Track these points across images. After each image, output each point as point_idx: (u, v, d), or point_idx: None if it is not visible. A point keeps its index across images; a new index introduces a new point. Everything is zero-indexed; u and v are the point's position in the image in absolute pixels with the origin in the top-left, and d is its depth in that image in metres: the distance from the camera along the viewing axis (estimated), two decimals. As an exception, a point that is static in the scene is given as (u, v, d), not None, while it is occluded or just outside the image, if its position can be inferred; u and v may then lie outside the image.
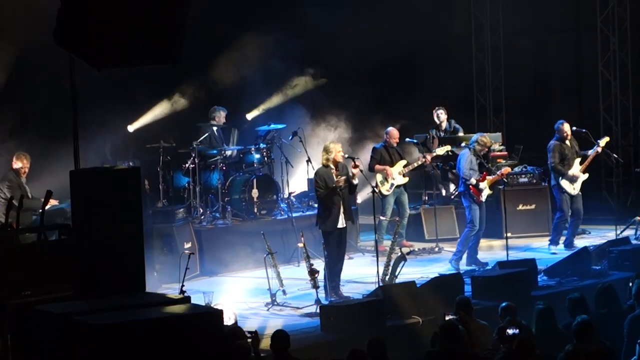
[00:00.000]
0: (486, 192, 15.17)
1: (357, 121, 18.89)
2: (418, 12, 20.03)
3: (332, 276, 13.37)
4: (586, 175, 16.26)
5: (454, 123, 18.48)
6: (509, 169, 15.53)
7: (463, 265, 15.05)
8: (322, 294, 13.18)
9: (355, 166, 13.40)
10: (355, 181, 13.49)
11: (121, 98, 16.43)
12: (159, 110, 17.42)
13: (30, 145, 14.74)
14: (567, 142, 16.20)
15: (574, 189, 16.13)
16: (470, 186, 15.00)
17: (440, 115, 18.39)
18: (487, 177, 15.20)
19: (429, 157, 16.62)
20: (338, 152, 13.44)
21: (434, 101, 19.07)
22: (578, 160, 16.20)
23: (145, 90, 16.83)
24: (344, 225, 13.51)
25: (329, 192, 13.30)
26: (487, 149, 15.41)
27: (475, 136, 15.52)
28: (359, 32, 19.38)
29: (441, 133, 18.30)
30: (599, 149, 16.28)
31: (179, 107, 17.56)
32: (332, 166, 13.39)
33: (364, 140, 18.74)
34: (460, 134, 18.24)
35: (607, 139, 16.48)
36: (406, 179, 16.64)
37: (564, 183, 16.10)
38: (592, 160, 16.30)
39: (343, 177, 13.35)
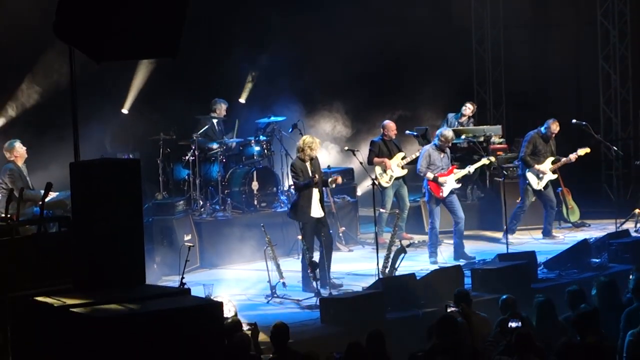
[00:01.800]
0: (450, 186, 15.09)
1: (355, 114, 18.89)
2: (419, 4, 20.01)
3: (321, 267, 13.43)
4: (555, 176, 16.39)
5: (471, 122, 18.56)
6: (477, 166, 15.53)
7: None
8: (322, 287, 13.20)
9: (333, 181, 13.92)
10: (332, 186, 14.13)
11: (104, 86, 16.36)
12: (140, 78, 17.38)
13: (28, 138, 14.70)
14: (547, 140, 16.34)
15: (538, 183, 16.26)
16: (429, 181, 15.00)
17: (466, 110, 18.49)
18: (455, 171, 15.21)
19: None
20: (315, 147, 13.61)
21: (434, 94, 19.06)
22: (551, 159, 16.29)
23: (120, 70, 16.73)
24: (322, 215, 13.60)
25: (308, 184, 13.48)
26: (448, 144, 15.33)
27: (438, 131, 15.51)
28: (358, 26, 19.37)
29: (457, 123, 18.38)
30: (574, 157, 16.37)
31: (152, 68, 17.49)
32: (307, 160, 13.58)
33: (362, 133, 18.74)
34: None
35: (587, 149, 16.53)
36: (405, 171, 16.62)
37: (530, 175, 16.26)
38: (564, 164, 16.39)
39: (320, 173, 13.69)
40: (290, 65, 18.82)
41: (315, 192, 13.61)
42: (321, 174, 13.84)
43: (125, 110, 17.21)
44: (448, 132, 15.29)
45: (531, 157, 16.25)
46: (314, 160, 13.68)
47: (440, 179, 14.98)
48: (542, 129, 16.38)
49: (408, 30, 19.47)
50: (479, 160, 15.80)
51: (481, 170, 16.57)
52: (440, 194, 15.00)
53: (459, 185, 15.35)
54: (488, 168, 16.21)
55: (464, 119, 18.61)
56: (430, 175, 14.97)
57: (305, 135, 14.24)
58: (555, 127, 16.30)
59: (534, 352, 8.90)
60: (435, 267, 14.26)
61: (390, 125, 16.71)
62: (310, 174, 13.57)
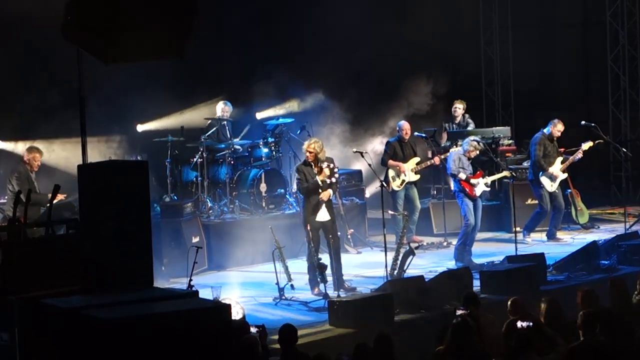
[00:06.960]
0: (481, 188, 15.13)
1: (362, 116, 18.87)
2: (427, 6, 19.98)
3: (314, 270, 13.39)
4: (565, 175, 16.44)
5: (467, 118, 18.48)
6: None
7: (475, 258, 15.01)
8: (330, 289, 13.17)
9: (320, 170, 13.47)
10: (332, 180, 13.58)
11: (128, 93, 16.40)
12: (171, 121, 17.42)
13: (37, 139, 14.75)
14: (552, 139, 16.42)
15: (552, 185, 16.30)
16: (461, 182, 15.01)
17: (457, 109, 18.41)
18: (483, 176, 15.26)
19: (437, 159, 16.56)
20: (316, 150, 13.47)
21: (442, 95, 19.05)
22: (560, 159, 16.33)
23: (156, 91, 16.76)
24: (328, 219, 13.54)
25: (311, 187, 13.40)
26: (477, 152, 15.39)
27: (467, 139, 15.50)
28: (365, 25, 19.35)
29: (454, 126, 18.29)
30: (581, 154, 16.38)
31: (187, 119, 17.54)
32: (311, 163, 13.49)
33: (368, 134, 18.72)
34: (471, 127, 18.24)
35: (590, 143, 16.55)
36: (417, 176, 16.59)
37: (544, 179, 16.28)
38: (572, 162, 16.41)
39: (324, 170, 13.44)
40: (296, 64, 18.80)
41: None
42: (331, 177, 13.60)
43: (140, 128, 17.26)
44: (474, 143, 15.37)
45: (543, 159, 16.24)
46: (319, 161, 13.57)
47: (473, 181, 15.03)
48: (546, 129, 16.41)
49: (416, 31, 19.43)
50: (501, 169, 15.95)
51: (489, 173, 16.52)
52: (474, 192, 15.03)
53: (488, 189, 15.53)
54: (497, 170, 16.20)
55: (459, 118, 18.39)
56: (463, 175, 14.99)
57: (310, 140, 14.04)
58: (561, 126, 16.39)
59: (536, 351, 8.91)
60: (444, 269, 14.22)
61: (405, 125, 16.65)
62: (315, 177, 13.51)
